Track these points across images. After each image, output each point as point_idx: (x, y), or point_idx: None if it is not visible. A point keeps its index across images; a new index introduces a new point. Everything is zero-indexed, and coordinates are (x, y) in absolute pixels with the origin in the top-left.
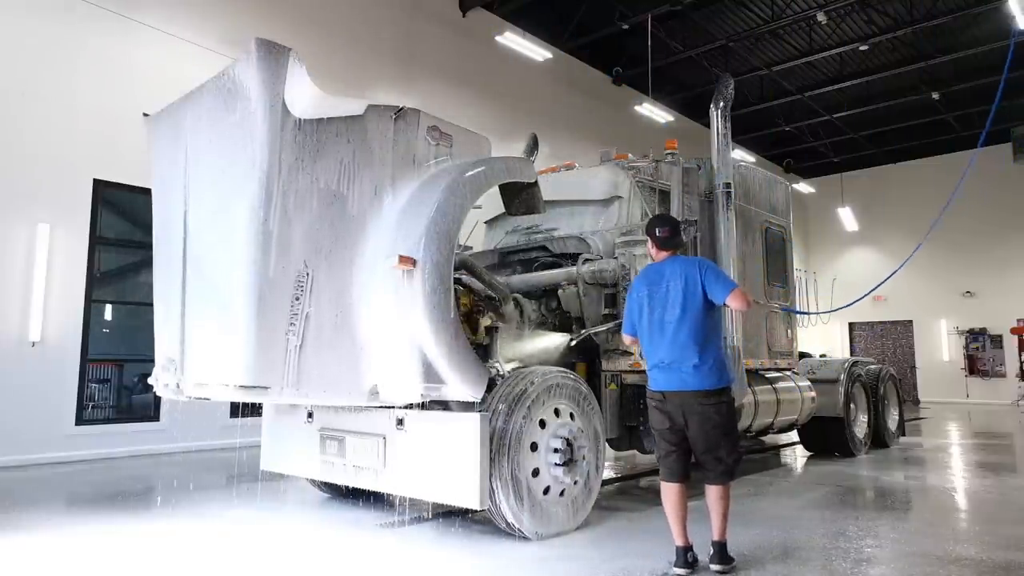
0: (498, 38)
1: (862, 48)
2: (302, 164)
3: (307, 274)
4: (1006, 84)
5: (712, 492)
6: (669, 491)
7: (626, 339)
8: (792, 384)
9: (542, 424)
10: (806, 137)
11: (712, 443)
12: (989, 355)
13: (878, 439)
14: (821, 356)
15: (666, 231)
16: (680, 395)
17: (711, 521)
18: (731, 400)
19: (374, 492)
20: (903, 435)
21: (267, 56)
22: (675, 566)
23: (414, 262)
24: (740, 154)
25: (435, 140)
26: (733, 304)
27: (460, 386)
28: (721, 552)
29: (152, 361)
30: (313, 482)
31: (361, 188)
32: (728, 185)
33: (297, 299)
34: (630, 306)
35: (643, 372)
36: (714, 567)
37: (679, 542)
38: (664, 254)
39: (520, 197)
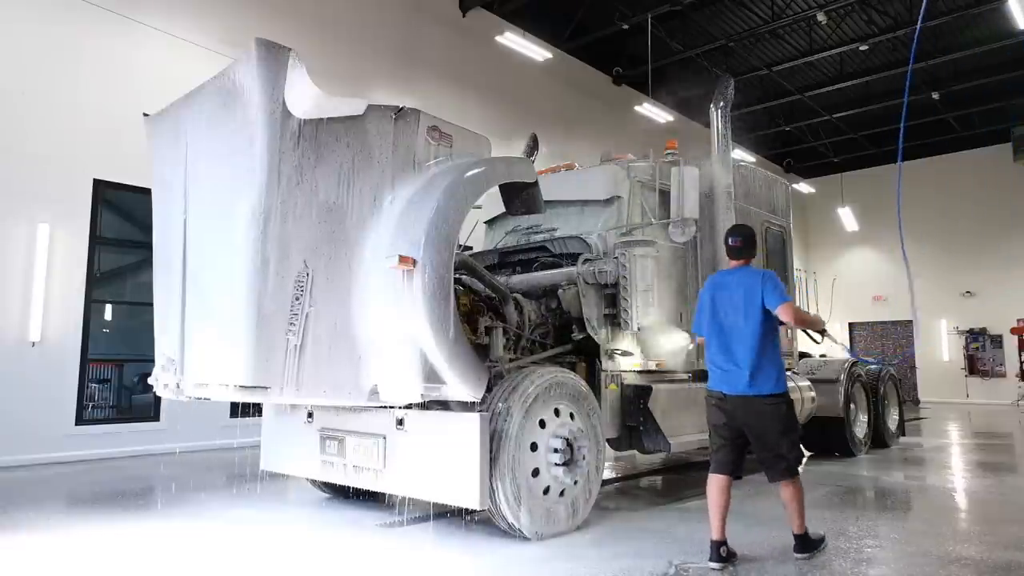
0: (498, 38)
1: (862, 48)
2: (302, 164)
3: (307, 274)
4: (1010, 84)
5: (784, 489)
6: (714, 482)
7: (697, 339)
8: (792, 384)
9: (542, 424)
10: (806, 137)
11: (772, 443)
12: (989, 355)
13: (878, 439)
14: (821, 356)
15: (738, 242)
16: (740, 398)
17: (789, 515)
18: (790, 402)
19: (374, 492)
20: (903, 435)
21: (267, 56)
22: (709, 560)
23: (414, 262)
24: (740, 154)
25: (435, 140)
26: (781, 315)
27: (460, 386)
28: (803, 542)
29: (152, 361)
30: (313, 482)
31: (361, 189)
32: (728, 185)
33: (297, 299)
34: (698, 308)
35: (643, 372)
36: (798, 555)
37: (715, 536)
38: (736, 262)
39: (520, 197)
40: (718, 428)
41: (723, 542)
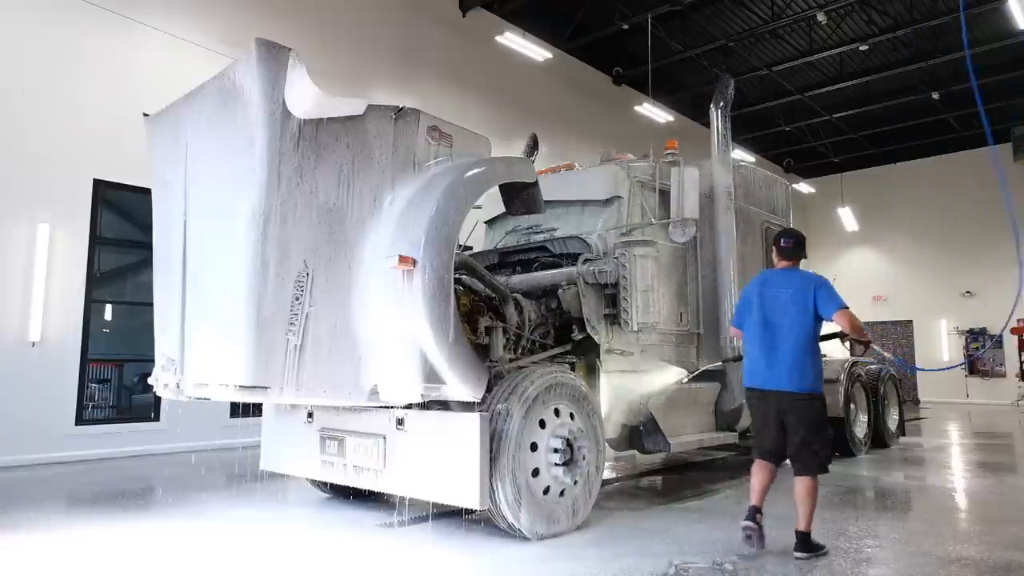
0: (498, 38)
1: (862, 48)
2: (302, 165)
3: (307, 274)
4: (1010, 84)
5: (801, 485)
6: (760, 466)
7: (732, 331)
8: None
9: (542, 424)
10: (806, 137)
11: (807, 438)
12: (989, 355)
13: (878, 439)
14: (821, 356)
15: (789, 243)
16: (778, 394)
17: (797, 511)
18: (824, 401)
19: (374, 492)
20: (903, 435)
21: (267, 56)
22: (744, 519)
23: (414, 262)
24: (740, 154)
25: (435, 140)
26: (839, 322)
27: (460, 386)
28: (804, 541)
29: (152, 361)
30: (313, 482)
31: (361, 189)
32: (728, 185)
33: (297, 299)
34: (740, 303)
35: (643, 372)
36: (797, 554)
37: (753, 501)
38: (784, 263)
39: (520, 197)
40: (763, 429)
41: (759, 508)
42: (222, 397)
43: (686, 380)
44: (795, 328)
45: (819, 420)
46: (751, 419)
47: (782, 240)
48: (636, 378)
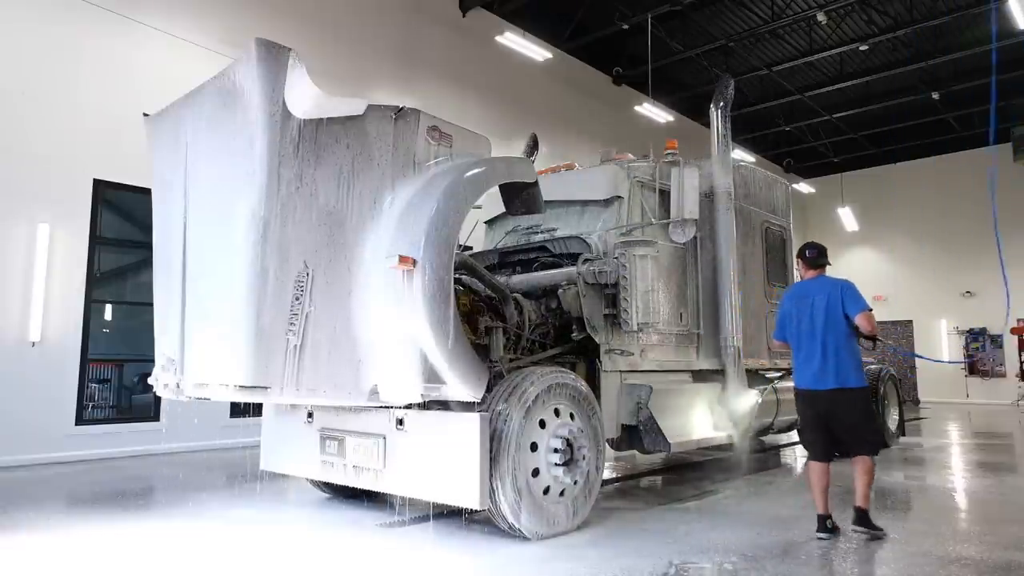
0: (498, 38)
1: (862, 48)
2: (302, 166)
3: (307, 274)
4: (1010, 84)
5: (858, 464)
6: (815, 468)
7: (776, 343)
8: (792, 384)
9: (542, 424)
10: (806, 137)
11: (857, 429)
12: (989, 355)
13: None
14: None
15: (814, 253)
16: (826, 392)
17: (856, 489)
18: (868, 394)
19: (374, 492)
20: (903, 435)
21: (267, 56)
22: (817, 531)
23: (414, 262)
24: (740, 154)
25: (435, 140)
26: (859, 322)
27: (460, 386)
28: (862, 517)
29: (152, 361)
30: (313, 482)
31: (361, 189)
32: (728, 186)
33: (297, 299)
34: (780, 318)
35: (643, 372)
36: (855, 527)
37: (820, 511)
38: (811, 273)
39: (520, 197)
40: (810, 423)
41: (828, 515)
42: (222, 397)
43: (767, 389)
44: (831, 330)
45: (867, 412)
46: (799, 419)
47: (807, 252)
48: (636, 378)
